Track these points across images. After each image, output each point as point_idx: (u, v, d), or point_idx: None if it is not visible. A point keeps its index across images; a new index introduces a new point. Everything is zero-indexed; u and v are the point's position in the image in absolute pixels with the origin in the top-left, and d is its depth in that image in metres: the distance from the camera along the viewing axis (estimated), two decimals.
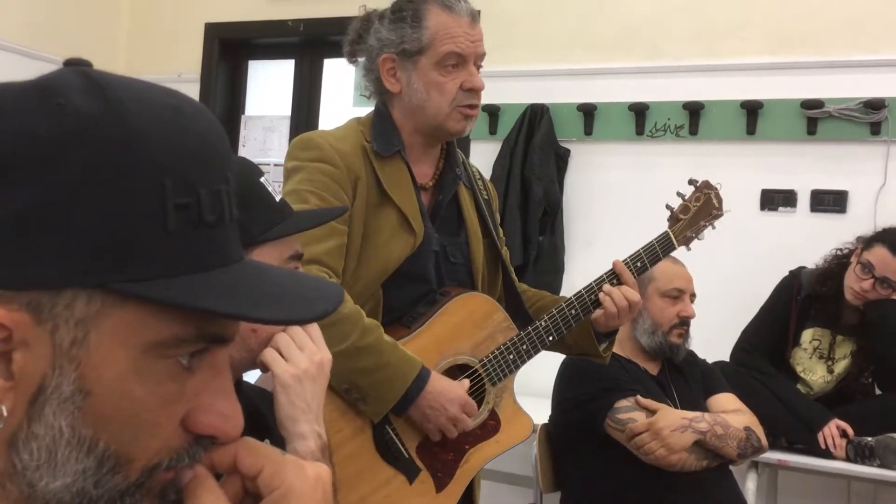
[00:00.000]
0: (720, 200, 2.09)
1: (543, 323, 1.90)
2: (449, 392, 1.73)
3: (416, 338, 1.79)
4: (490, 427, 1.88)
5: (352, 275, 1.74)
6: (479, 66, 1.84)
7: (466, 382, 1.79)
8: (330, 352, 1.58)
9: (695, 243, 2.10)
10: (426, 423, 1.73)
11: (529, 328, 1.89)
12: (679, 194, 2.08)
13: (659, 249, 2.00)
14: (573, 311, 1.91)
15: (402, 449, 1.77)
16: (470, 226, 1.92)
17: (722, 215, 2.09)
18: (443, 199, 1.89)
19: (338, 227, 1.70)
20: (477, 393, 1.83)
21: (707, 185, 2.08)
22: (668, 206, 2.08)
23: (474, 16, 1.83)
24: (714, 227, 2.09)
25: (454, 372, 1.83)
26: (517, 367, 1.89)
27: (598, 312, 1.92)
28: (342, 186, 1.73)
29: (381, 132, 1.83)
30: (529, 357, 1.89)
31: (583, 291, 1.93)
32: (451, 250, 1.88)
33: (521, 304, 1.98)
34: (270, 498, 0.67)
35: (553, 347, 1.97)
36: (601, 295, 1.90)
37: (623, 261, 1.96)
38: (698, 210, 2.05)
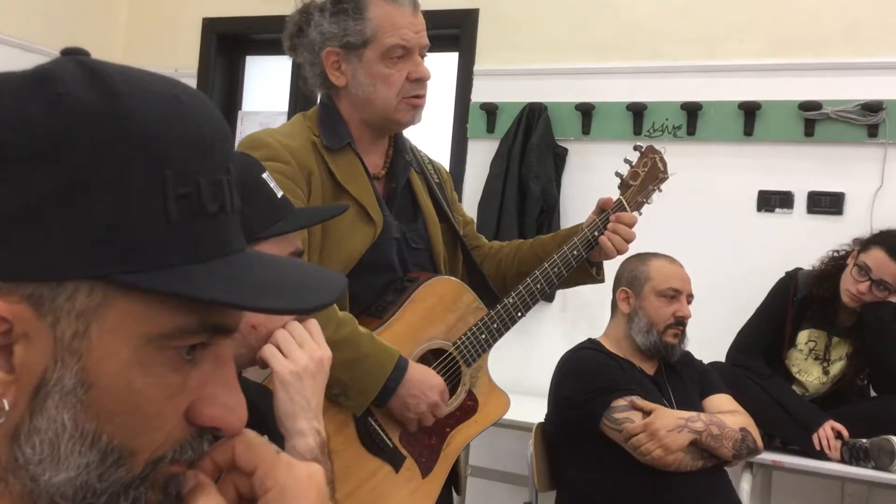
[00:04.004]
0: (665, 164, 2.13)
1: (511, 300, 1.92)
2: (428, 379, 1.75)
3: (390, 327, 1.79)
4: (468, 407, 1.90)
5: None
6: (423, 56, 1.83)
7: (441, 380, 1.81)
8: None
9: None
10: (406, 412, 1.74)
11: (499, 306, 1.91)
12: (626, 161, 2.12)
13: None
14: (538, 285, 1.94)
15: (386, 439, 1.77)
16: (426, 211, 1.93)
17: (668, 178, 2.13)
18: (396, 187, 1.89)
19: None
20: (453, 375, 1.85)
21: (651, 149, 2.12)
22: (617, 174, 2.11)
23: (416, 5, 1.83)
24: (661, 191, 2.13)
25: (428, 357, 1.84)
26: (490, 346, 1.91)
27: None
28: (296, 182, 1.71)
29: (329, 125, 1.83)
30: (501, 335, 1.92)
31: (546, 266, 1.95)
32: (411, 236, 1.89)
33: (486, 283, 2.01)
34: (265, 499, 0.66)
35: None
36: (602, 240, 1.95)
37: (582, 230, 1.99)
38: (646, 175, 2.09)
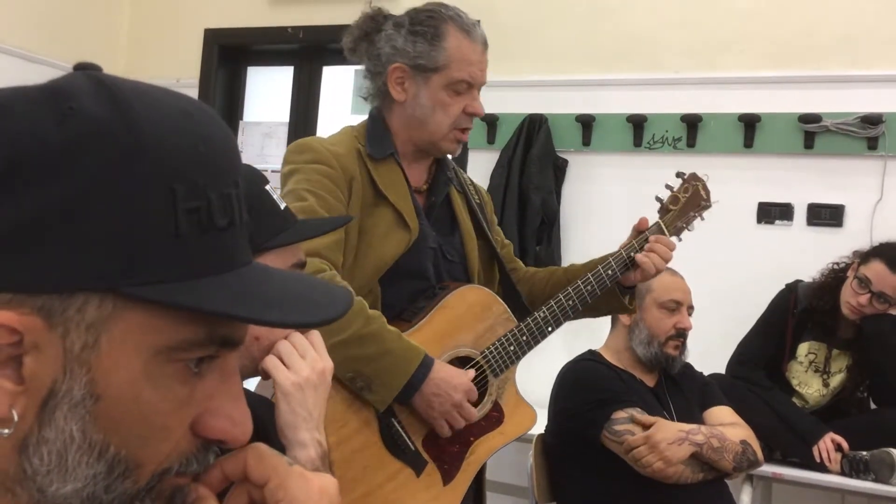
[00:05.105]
0: (707, 192, 2.14)
1: (542, 314, 1.93)
2: (453, 378, 1.75)
3: (418, 331, 1.81)
4: (494, 418, 1.90)
5: (349, 270, 1.77)
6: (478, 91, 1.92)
7: (472, 372, 1.81)
8: (333, 340, 1.63)
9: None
10: (430, 411, 1.75)
11: (529, 319, 1.92)
12: (668, 186, 2.13)
13: None
14: (571, 302, 1.95)
15: (409, 441, 1.78)
16: (463, 226, 1.97)
17: (710, 206, 2.14)
18: (436, 200, 1.94)
19: None
20: (479, 385, 1.85)
21: (694, 176, 2.13)
22: (657, 198, 2.12)
23: (486, 43, 1.91)
24: (703, 219, 2.14)
25: (456, 364, 1.85)
26: (518, 359, 1.92)
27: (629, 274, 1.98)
28: (338, 185, 1.77)
29: (375, 136, 1.89)
30: (530, 348, 1.92)
31: (580, 283, 1.96)
32: (447, 249, 1.92)
33: (520, 300, 2.01)
34: None
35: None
36: (640, 257, 1.96)
37: (618, 251, 2.00)
38: (687, 201, 2.10)
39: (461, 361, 1.86)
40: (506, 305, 1.93)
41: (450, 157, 2.02)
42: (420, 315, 1.83)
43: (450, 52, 1.84)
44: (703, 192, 2.12)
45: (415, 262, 1.84)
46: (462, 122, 1.88)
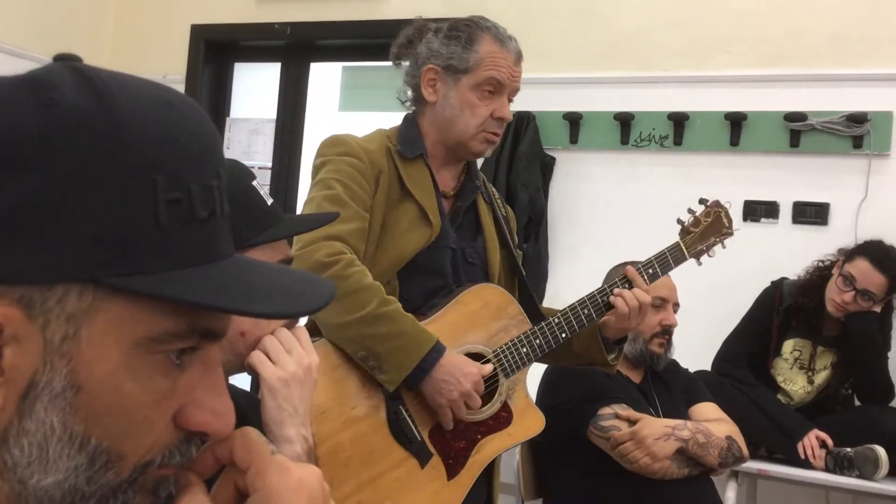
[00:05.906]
0: (730, 220, 2.17)
1: (557, 319, 1.95)
2: (464, 367, 1.77)
3: (431, 323, 1.83)
4: (503, 419, 1.91)
5: (369, 259, 1.81)
6: (510, 100, 1.96)
7: (489, 367, 1.82)
8: (350, 317, 1.68)
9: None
10: (438, 398, 1.76)
11: (543, 323, 1.94)
12: (690, 210, 2.16)
13: (670, 258, 2.07)
14: (586, 311, 1.97)
15: (416, 431, 1.79)
16: (487, 233, 2.00)
17: (732, 234, 2.17)
18: (462, 206, 1.98)
19: (360, 212, 1.80)
20: (490, 383, 1.86)
21: (717, 203, 2.17)
22: (678, 220, 2.14)
23: (520, 56, 1.96)
24: (724, 247, 2.16)
25: None
26: (531, 361, 1.94)
27: (607, 317, 1.98)
28: (365, 177, 1.83)
29: (407, 137, 1.95)
30: (543, 352, 1.94)
31: (595, 293, 1.98)
32: (469, 252, 1.96)
33: (536, 307, 2.03)
34: (252, 499, 0.66)
35: (560, 357, 2.02)
36: (612, 297, 1.96)
37: (636, 268, 2.02)
38: (708, 226, 2.14)
39: (472, 358, 1.86)
40: (521, 308, 1.95)
41: (481, 173, 2.05)
42: (435, 310, 1.86)
43: (481, 55, 1.90)
44: (725, 220, 2.15)
45: (434, 260, 1.88)
46: (489, 125, 1.92)
